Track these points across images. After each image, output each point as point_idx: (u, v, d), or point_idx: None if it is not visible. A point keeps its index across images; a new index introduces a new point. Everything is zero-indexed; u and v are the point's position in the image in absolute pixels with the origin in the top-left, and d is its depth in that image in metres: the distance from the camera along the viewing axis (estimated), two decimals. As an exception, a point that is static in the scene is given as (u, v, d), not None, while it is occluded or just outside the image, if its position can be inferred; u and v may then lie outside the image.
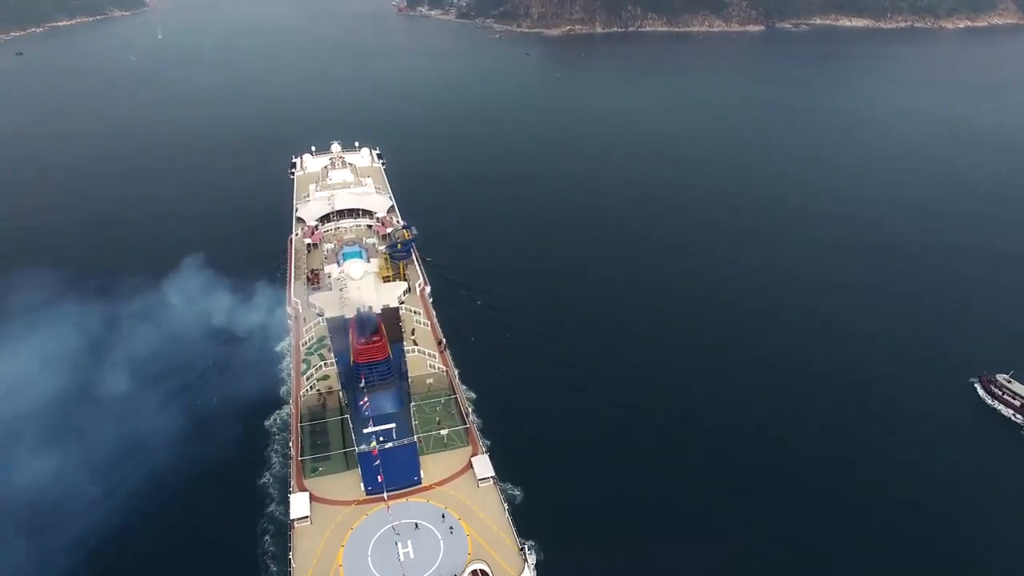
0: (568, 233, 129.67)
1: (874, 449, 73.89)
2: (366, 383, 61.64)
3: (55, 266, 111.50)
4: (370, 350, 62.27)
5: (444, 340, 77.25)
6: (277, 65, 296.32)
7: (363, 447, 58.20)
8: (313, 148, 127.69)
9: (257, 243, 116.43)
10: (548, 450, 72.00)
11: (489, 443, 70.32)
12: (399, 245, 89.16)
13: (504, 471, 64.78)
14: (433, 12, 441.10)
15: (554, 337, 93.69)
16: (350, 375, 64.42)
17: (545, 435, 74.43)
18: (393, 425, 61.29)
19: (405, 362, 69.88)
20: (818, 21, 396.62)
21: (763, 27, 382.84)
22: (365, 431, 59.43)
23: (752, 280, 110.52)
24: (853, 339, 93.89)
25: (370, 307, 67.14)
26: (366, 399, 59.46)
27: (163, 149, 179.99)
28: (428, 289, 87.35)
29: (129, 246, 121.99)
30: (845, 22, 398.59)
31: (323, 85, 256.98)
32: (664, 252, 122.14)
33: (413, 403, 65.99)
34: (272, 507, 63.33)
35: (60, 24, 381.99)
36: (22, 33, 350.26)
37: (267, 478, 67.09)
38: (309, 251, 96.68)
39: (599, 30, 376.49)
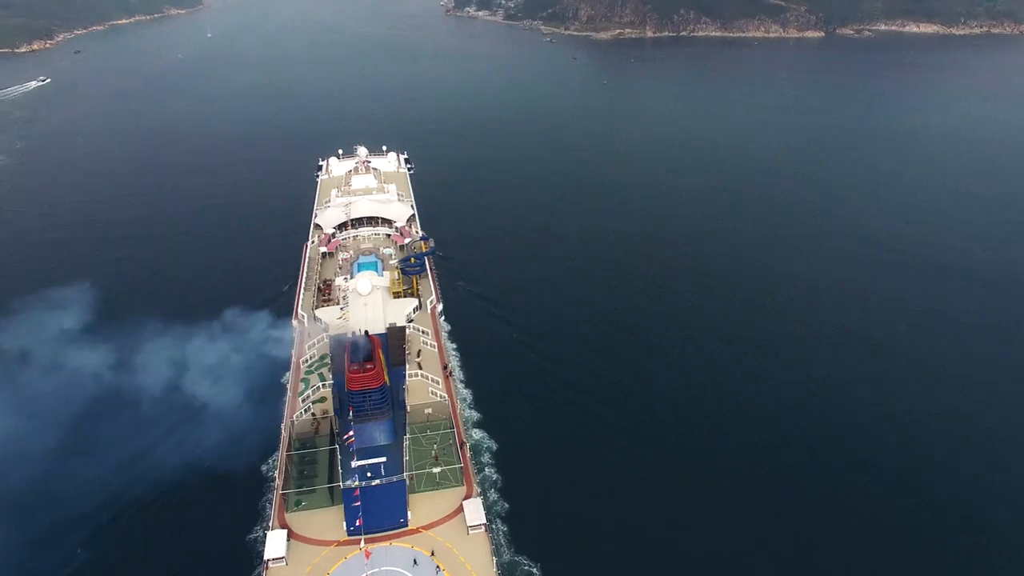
0: (609, 249, 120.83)
1: (946, 504, 66.11)
2: (355, 414, 57.29)
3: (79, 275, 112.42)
4: (363, 378, 57.94)
5: (450, 365, 72.65)
6: (319, 65, 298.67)
7: (349, 482, 54.03)
8: (340, 151, 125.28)
9: (279, 251, 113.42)
10: (561, 514, 62.76)
11: (495, 480, 65.03)
12: (413, 259, 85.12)
13: (511, 537, 59.20)
14: (480, 13, 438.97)
15: (591, 371, 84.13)
16: (344, 401, 60.32)
17: (561, 493, 65.04)
18: (383, 459, 56.82)
19: (404, 389, 65.53)
20: (883, 27, 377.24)
21: (822, 33, 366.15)
22: (353, 464, 55.17)
23: (826, 305, 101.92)
24: (928, 374, 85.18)
25: (365, 332, 62.61)
26: (351, 433, 55.03)
27: (191, 150, 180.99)
28: (440, 307, 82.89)
29: (135, 255, 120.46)
30: (913, 28, 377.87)
31: (362, 86, 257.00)
32: (729, 276, 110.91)
33: (410, 434, 61.34)
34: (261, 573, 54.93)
35: (120, 23, 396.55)
36: (84, 31, 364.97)
37: (258, 532, 58.45)
38: (324, 260, 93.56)
39: (649, 34, 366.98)
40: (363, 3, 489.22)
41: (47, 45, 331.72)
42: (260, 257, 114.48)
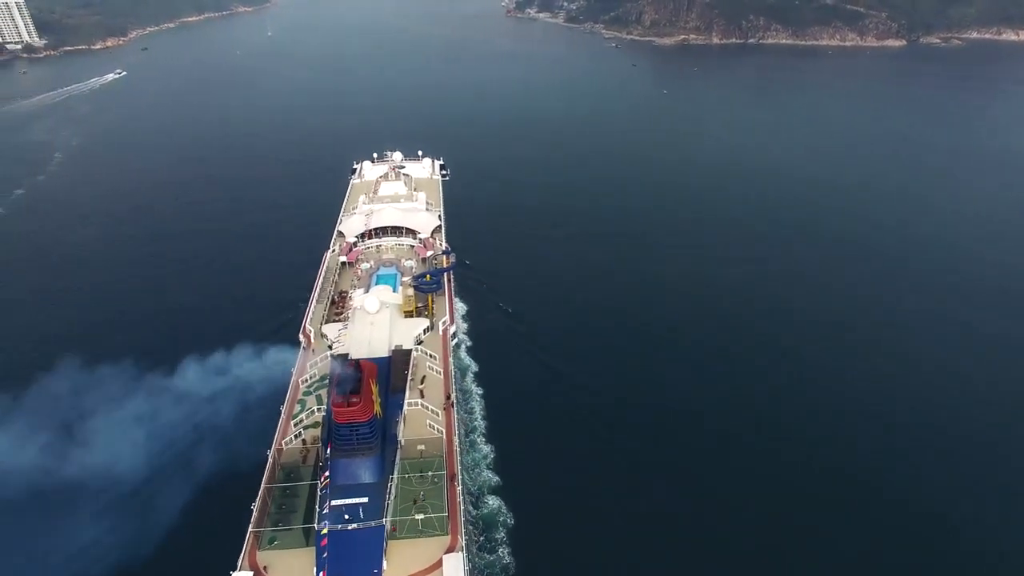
0: (668, 276, 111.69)
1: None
2: (335, 448, 52.65)
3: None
4: (348, 412, 53.21)
5: (453, 395, 67.18)
6: (372, 64, 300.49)
7: (323, 525, 49.51)
8: (375, 155, 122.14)
9: (305, 257, 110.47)
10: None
11: (506, 564, 58.46)
12: (428, 276, 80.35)
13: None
14: (541, 15, 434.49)
15: (645, 430, 74.33)
16: (331, 431, 55.85)
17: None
18: (365, 500, 52.13)
19: (400, 421, 60.61)
20: (974, 35, 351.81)
21: (904, 42, 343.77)
22: (327, 507, 50.65)
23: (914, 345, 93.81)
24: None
25: (355, 361, 57.88)
26: (326, 475, 50.37)
27: (236, 147, 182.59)
28: (453, 329, 77.53)
29: (158, 254, 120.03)
30: (1011, 36, 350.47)
31: (412, 86, 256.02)
32: (788, 316, 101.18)
33: (398, 473, 56.31)
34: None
35: (190, 20, 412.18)
36: (156, 28, 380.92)
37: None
38: (343, 270, 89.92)
39: (716, 41, 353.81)
40: (424, 3, 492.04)
41: (120, 42, 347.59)
42: (285, 263, 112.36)
